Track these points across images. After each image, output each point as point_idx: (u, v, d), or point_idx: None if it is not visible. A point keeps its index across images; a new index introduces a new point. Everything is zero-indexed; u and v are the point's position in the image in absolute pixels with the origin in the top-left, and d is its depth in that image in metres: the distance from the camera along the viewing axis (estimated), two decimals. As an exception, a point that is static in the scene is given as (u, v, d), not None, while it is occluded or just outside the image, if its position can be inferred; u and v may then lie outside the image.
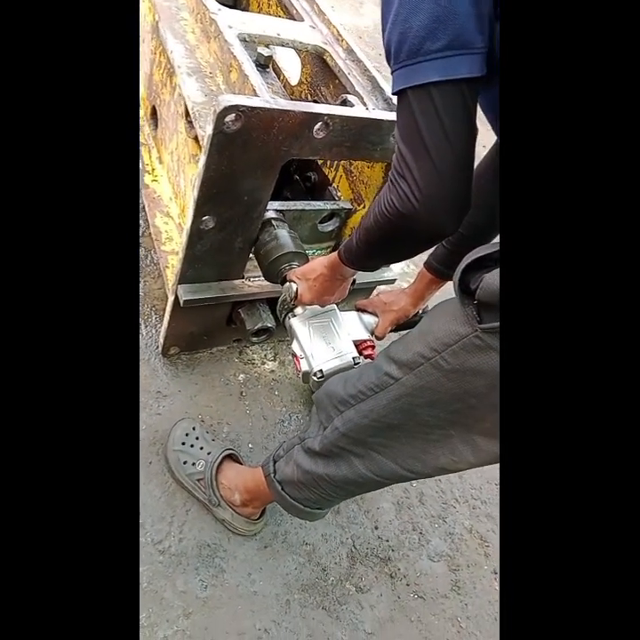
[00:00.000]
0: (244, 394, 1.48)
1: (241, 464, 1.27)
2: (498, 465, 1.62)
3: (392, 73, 0.68)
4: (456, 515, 1.49)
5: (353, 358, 1.07)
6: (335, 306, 1.15)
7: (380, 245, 0.81)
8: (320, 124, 1.01)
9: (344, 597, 1.24)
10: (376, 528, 1.38)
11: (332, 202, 1.36)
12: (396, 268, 1.58)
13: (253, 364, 1.56)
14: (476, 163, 1.04)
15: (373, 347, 1.13)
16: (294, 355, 1.09)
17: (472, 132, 0.68)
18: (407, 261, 2.17)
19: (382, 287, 1.63)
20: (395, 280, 1.51)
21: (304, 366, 1.07)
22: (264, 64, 1.42)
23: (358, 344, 1.12)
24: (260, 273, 1.28)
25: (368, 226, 0.80)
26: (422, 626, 1.27)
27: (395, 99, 0.72)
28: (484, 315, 0.68)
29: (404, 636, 1.24)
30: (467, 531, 1.48)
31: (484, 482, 1.60)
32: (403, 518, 1.43)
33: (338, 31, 1.38)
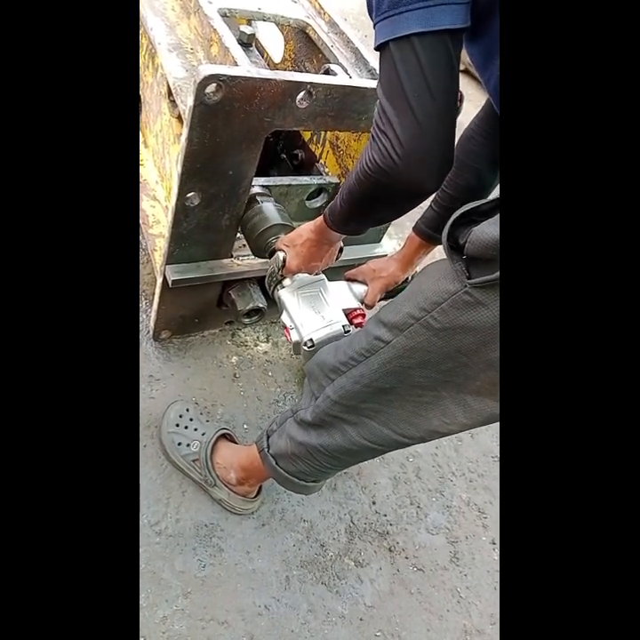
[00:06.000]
0: (237, 376, 1.47)
1: (236, 443, 1.27)
2: (495, 438, 1.63)
3: (374, 26, 0.67)
4: (453, 488, 1.50)
5: (343, 326, 1.06)
6: (324, 276, 1.14)
7: (363, 205, 0.80)
8: (303, 93, 0.99)
9: (343, 572, 1.24)
10: (373, 503, 1.38)
11: (319, 177, 1.34)
12: (388, 246, 1.57)
13: (246, 345, 1.55)
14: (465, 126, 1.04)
15: (363, 315, 1.13)
16: (285, 326, 1.09)
17: (454, 84, 0.67)
18: (399, 240, 2.16)
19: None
20: (386, 256, 1.51)
21: (294, 336, 1.06)
22: (247, 42, 1.39)
23: (348, 313, 1.11)
24: (249, 251, 1.27)
25: (350, 185, 0.79)
26: (422, 597, 1.28)
27: (378, 67, 0.70)
28: (472, 270, 0.67)
29: (404, 608, 1.24)
30: (464, 503, 1.48)
31: (480, 455, 1.60)
32: (400, 493, 1.43)
33: (320, 4, 1.37)
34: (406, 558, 1.32)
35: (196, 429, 1.25)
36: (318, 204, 1.36)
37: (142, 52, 1.51)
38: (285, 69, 1.56)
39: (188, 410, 1.29)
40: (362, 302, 1.17)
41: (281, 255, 1.06)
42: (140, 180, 1.57)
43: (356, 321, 1.11)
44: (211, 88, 0.90)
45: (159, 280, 1.26)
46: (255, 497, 1.22)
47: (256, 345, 1.57)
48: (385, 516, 1.37)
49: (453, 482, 1.51)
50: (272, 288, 1.13)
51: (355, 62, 1.25)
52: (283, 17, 1.32)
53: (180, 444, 1.23)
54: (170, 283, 1.20)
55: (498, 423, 0.78)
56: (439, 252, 1.17)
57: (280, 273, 1.08)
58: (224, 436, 1.25)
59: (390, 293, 1.20)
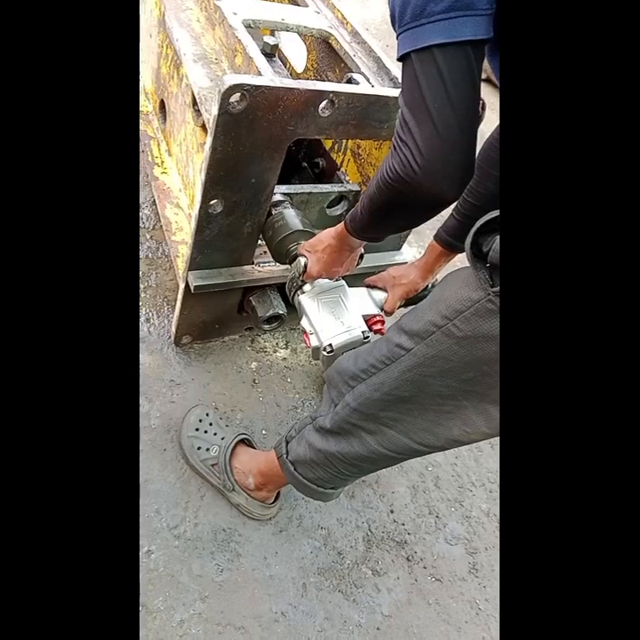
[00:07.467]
0: (256, 381, 1.48)
1: (254, 448, 1.27)
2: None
3: (397, 37, 0.68)
4: (473, 498, 1.48)
5: (362, 332, 1.06)
6: (344, 282, 1.15)
7: (383, 213, 0.81)
8: (325, 102, 1.00)
9: (360, 581, 1.24)
10: (392, 512, 1.37)
11: (340, 184, 1.35)
12: (408, 253, 1.57)
13: (265, 351, 1.56)
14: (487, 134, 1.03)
15: (383, 322, 1.13)
16: (304, 331, 1.09)
17: (476, 95, 0.67)
18: (419, 248, 2.15)
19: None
20: (406, 263, 1.50)
21: (314, 342, 1.07)
22: (270, 53, 1.42)
23: (368, 319, 1.11)
24: (270, 258, 1.28)
25: (371, 193, 0.80)
26: (440, 608, 1.26)
27: (400, 76, 0.71)
28: (496, 278, 0.67)
29: (421, 619, 1.23)
30: (484, 514, 1.46)
31: (501, 465, 1.58)
32: (419, 502, 1.42)
33: (342, 15, 1.38)
34: (424, 568, 1.31)
35: (215, 434, 1.26)
36: (339, 212, 1.37)
37: (167, 63, 1.54)
38: (308, 79, 1.57)
39: (207, 414, 1.30)
40: (381, 309, 1.17)
41: (302, 260, 1.07)
42: (164, 187, 1.59)
43: (375, 327, 1.11)
44: (235, 97, 0.92)
45: (181, 286, 1.28)
46: (273, 503, 1.23)
47: (275, 351, 1.58)
48: (403, 525, 1.36)
49: (473, 492, 1.49)
50: (292, 293, 1.14)
51: (377, 71, 1.26)
52: (306, 27, 1.33)
53: (199, 448, 1.24)
54: (192, 288, 1.22)
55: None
56: (460, 261, 1.17)
57: (301, 278, 1.09)
58: (243, 441, 1.26)
59: (410, 301, 1.20)
